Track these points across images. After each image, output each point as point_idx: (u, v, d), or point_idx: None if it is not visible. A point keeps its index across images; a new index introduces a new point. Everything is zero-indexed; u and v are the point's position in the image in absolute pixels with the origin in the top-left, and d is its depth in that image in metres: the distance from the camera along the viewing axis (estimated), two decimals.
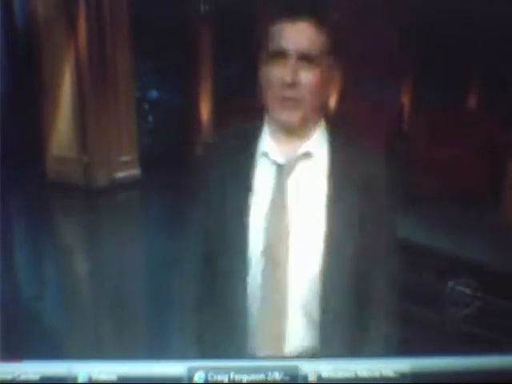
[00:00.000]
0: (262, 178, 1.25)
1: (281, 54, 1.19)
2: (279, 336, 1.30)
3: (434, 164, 4.77)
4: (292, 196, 1.23)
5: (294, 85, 1.17)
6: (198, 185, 1.37)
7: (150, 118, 5.82)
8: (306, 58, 1.18)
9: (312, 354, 1.32)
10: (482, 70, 5.58)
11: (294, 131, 1.24)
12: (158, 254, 3.80)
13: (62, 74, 4.86)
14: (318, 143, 1.27)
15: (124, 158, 5.15)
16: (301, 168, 1.25)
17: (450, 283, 2.95)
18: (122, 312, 3.27)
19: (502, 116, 4.83)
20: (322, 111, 1.27)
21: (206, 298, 1.30)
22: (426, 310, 2.96)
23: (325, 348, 1.31)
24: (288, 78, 1.17)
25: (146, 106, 5.78)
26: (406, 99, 5.98)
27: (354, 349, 1.33)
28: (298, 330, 1.31)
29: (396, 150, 5.03)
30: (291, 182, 1.24)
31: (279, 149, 1.24)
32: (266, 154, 1.26)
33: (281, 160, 1.24)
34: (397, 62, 6.05)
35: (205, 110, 5.76)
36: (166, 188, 5.09)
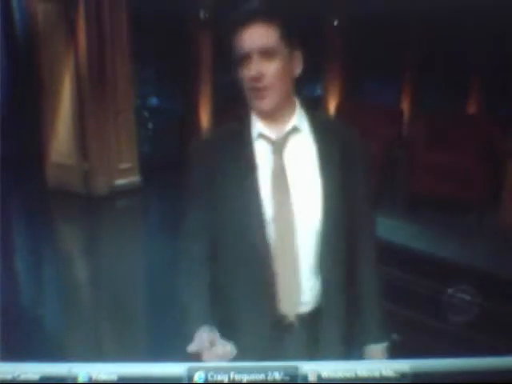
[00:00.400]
0: (262, 155, 1.42)
1: (245, 56, 1.36)
2: (297, 291, 1.44)
3: (433, 169, 4.78)
4: (289, 166, 1.42)
5: (259, 77, 1.36)
6: (200, 174, 1.46)
7: (150, 126, 5.85)
8: (265, 53, 1.35)
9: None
10: (481, 76, 5.61)
11: (273, 115, 1.43)
12: (158, 259, 3.80)
13: (61, 81, 4.88)
14: (300, 121, 1.45)
15: (124, 165, 5.17)
16: (292, 141, 1.43)
17: (450, 290, 2.94)
18: (124, 314, 3.26)
19: (502, 122, 4.84)
20: (293, 95, 1.46)
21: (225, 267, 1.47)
22: (426, 317, 2.96)
23: (328, 298, 1.46)
24: (253, 73, 1.35)
25: (146, 114, 5.81)
26: (405, 105, 6.01)
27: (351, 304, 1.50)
28: (309, 283, 1.45)
29: (395, 155, 5.05)
30: (287, 155, 1.42)
31: (270, 129, 1.43)
32: (261, 135, 1.43)
33: (274, 137, 1.42)
34: (397, 67, 6.09)
35: (204, 117, 5.78)
36: (165, 195, 5.10)
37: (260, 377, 1.24)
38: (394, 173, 5.00)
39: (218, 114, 5.78)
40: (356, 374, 1.27)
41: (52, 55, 4.80)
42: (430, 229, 3.76)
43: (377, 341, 1.53)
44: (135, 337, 3.06)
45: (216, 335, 1.33)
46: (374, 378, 1.27)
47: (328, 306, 1.47)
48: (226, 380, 1.24)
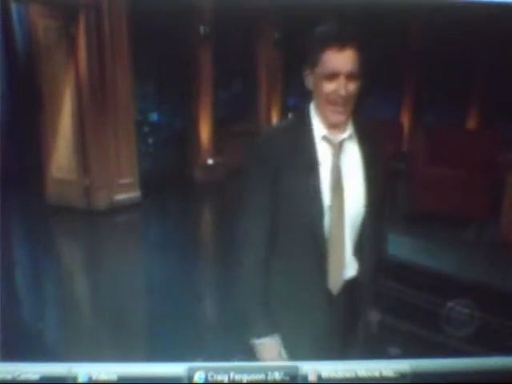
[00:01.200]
0: (322, 154, 1.67)
1: (334, 75, 1.59)
2: (342, 270, 1.70)
3: (433, 183, 4.78)
4: (344, 166, 1.67)
5: (345, 97, 1.59)
6: (266, 164, 1.68)
7: (150, 141, 5.85)
8: (351, 76, 1.59)
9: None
10: (482, 90, 5.63)
11: (338, 125, 1.67)
12: (157, 274, 3.80)
13: (62, 97, 4.89)
14: (352, 129, 1.70)
15: (124, 181, 5.16)
16: (347, 146, 1.69)
17: (449, 303, 2.93)
18: (124, 322, 3.25)
19: (501, 135, 4.85)
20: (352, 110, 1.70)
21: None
22: (426, 330, 2.94)
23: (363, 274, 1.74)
24: (342, 93, 1.59)
25: (146, 129, 5.81)
26: (405, 119, 6.02)
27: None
28: (350, 263, 1.73)
29: (395, 169, 5.05)
30: (342, 156, 1.68)
31: (332, 134, 1.67)
32: (324, 138, 1.67)
33: (336, 140, 1.67)
34: (397, 81, 6.11)
35: (204, 133, 5.80)
36: (165, 210, 5.10)
37: (260, 377, 1.24)
38: (394, 186, 5.00)
39: (218, 130, 5.80)
40: (356, 374, 1.27)
41: (52, 70, 4.81)
42: (430, 242, 3.76)
43: None
44: (135, 338, 3.05)
45: (281, 346, 1.51)
46: (373, 378, 1.27)
47: (363, 279, 1.73)
48: (225, 380, 1.24)
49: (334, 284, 1.69)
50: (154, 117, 5.92)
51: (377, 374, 1.26)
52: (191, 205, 5.19)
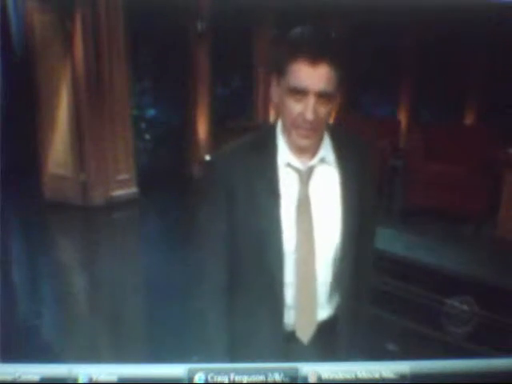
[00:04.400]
0: (287, 183, 1.41)
1: (301, 92, 1.31)
2: (313, 311, 1.45)
3: (431, 180, 4.79)
4: (314, 195, 1.42)
5: (313, 121, 1.32)
6: (222, 187, 1.44)
7: (147, 137, 5.85)
8: (323, 96, 1.31)
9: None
10: (479, 87, 5.64)
11: (306, 149, 1.41)
12: (155, 270, 3.80)
13: (58, 93, 4.88)
14: (326, 151, 1.44)
15: (121, 177, 5.16)
16: (318, 171, 1.43)
17: (448, 300, 2.94)
18: (123, 320, 3.24)
19: (499, 132, 4.86)
20: (326, 127, 1.44)
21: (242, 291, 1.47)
22: (424, 327, 2.95)
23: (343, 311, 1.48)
24: (309, 116, 1.31)
25: (143, 125, 5.81)
26: (403, 116, 6.03)
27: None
28: (324, 305, 1.47)
29: (393, 166, 5.05)
30: (312, 184, 1.42)
31: (299, 160, 1.41)
32: (289, 165, 1.41)
33: (302, 167, 1.41)
34: (394, 78, 6.11)
35: (201, 129, 5.80)
36: (162, 206, 5.10)
37: (260, 378, 1.24)
38: (392, 184, 5.01)
39: (215, 126, 5.79)
40: (356, 376, 1.27)
41: (49, 66, 4.81)
42: (428, 239, 3.76)
43: None
44: (135, 339, 3.05)
45: None
46: (373, 380, 1.27)
47: (344, 316, 1.49)
48: (226, 381, 1.24)
49: (304, 332, 1.45)
50: (151, 113, 5.91)
51: (377, 376, 1.26)
52: (188, 201, 5.17)
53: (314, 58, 1.28)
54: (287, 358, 1.38)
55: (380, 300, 2.87)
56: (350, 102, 6.20)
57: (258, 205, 1.39)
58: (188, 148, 5.86)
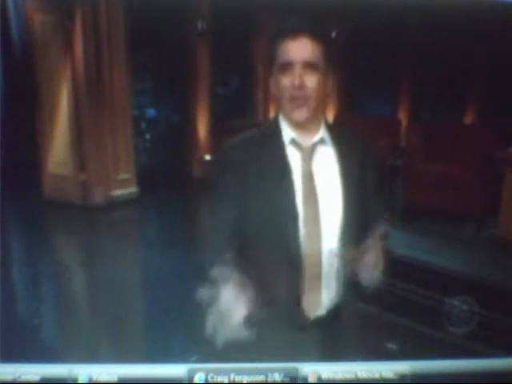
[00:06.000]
0: (292, 160, 1.53)
1: (288, 65, 1.48)
2: (320, 286, 1.52)
3: (432, 179, 4.78)
4: (316, 173, 1.53)
5: (301, 86, 1.47)
6: (233, 173, 1.55)
7: (148, 137, 5.84)
8: (308, 66, 1.47)
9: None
10: (479, 86, 5.63)
11: (305, 126, 1.54)
12: (156, 269, 3.80)
13: (58, 92, 4.88)
14: (325, 134, 1.57)
15: (121, 176, 5.16)
16: (319, 151, 1.55)
17: (448, 299, 2.94)
18: (123, 320, 3.24)
19: (500, 131, 4.85)
20: (323, 112, 1.59)
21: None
22: (424, 326, 2.95)
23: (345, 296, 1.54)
24: (296, 81, 1.46)
25: (143, 125, 5.80)
26: (403, 115, 6.02)
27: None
28: (330, 283, 1.54)
29: (393, 166, 5.05)
30: (314, 162, 1.54)
31: (301, 137, 1.54)
32: (293, 141, 1.54)
33: (305, 144, 1.54)
34: (394, 77, 6.11)
35: (202, 128, 5.79)
36: (163, 205, 5.10)
37: (260, 378, 1.24)
38: (392, 183, 5.00)
39: (215, 125, 5.79)
40: (356, 376, 1.27)
41: (49, 65, 4.80)
42: (428, 238, 3.77)
43: None
44: (135, 339, 3.05)
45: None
46: (373, 380, 1.28)
47: (348, 304, 1.55)
48: (226, 381, 1.25)
49: (310, 307, 1.50)
50: (151, 112, 5.91)
51: (377, 376, 1.26)
52: (189, 201, 5.18)
53: (295, 33, 1.47)
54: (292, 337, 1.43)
55: (380, 300, 2.87)
56: (350, 102, 6.20)
57: (271, 180, 1.50)
58: (188, 148, 5.85)
